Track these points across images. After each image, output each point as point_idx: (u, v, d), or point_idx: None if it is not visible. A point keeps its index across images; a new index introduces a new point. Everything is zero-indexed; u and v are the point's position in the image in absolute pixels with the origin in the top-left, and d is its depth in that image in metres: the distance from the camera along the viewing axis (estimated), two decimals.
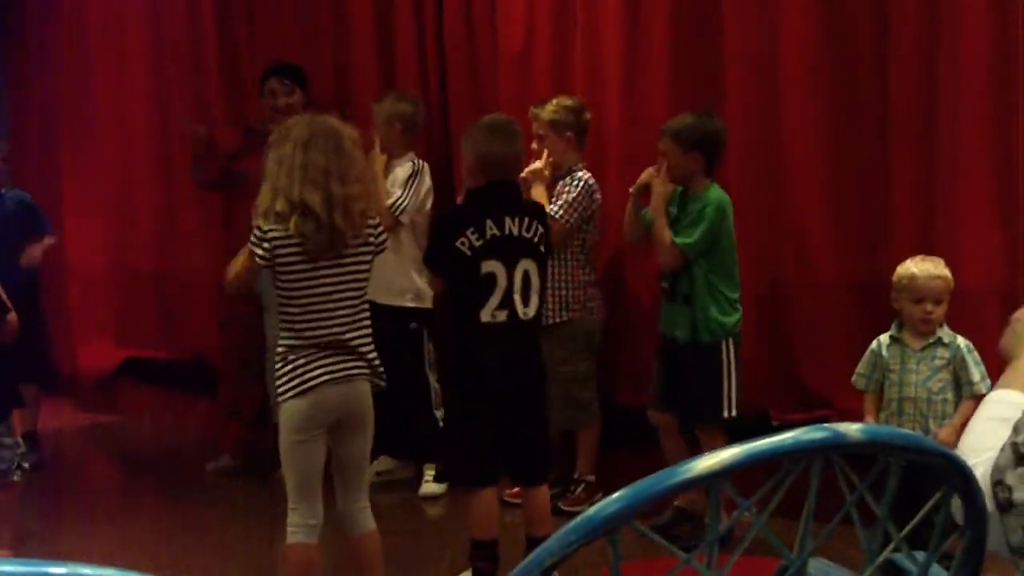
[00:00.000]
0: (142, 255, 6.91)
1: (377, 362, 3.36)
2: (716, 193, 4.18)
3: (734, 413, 4.19)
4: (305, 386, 3.24)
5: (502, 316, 3.63)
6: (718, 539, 1.26)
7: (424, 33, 5.60)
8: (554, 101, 4.71)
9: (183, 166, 6.07)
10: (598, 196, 4.72)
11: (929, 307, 3.54)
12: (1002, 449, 1.55)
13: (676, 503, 4.27)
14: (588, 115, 4.75)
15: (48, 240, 5.91)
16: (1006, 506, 1.52)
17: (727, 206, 4.17)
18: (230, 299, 5.56)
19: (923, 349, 3.57)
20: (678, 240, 4.16)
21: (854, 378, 3.71)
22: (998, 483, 1.51)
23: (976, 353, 3.55)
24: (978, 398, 3.52)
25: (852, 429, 1.26)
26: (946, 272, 3.58)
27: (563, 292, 4.68)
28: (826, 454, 1.25)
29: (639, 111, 4.92)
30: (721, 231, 4.16)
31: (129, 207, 6.95)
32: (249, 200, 5.28)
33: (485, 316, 3.62)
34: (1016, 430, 1.57)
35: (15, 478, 3.35)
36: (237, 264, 3.38)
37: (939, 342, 3.56)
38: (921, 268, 3.56)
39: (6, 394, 3.42)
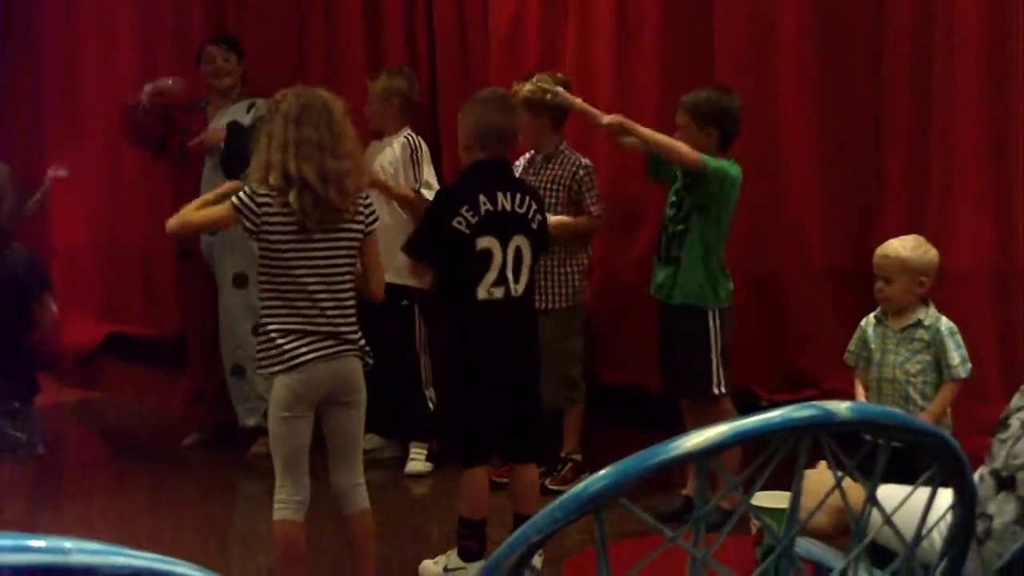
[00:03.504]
0: (126, 231, 6.87)
1: (363, 342, 3.33)
2: (727, 164, 4.12)
3: (724, 390, 4.18)
4: (293, 363, 3.22)
5: (498, 293, 3.61)
6: (707, 518, 1.25)
7: (414, 14, 5.57)
8: (534, 78, 4.62)
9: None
10: None
11: (879, 284, 3.49)
12: (980, 480, 1.54)
13: (684, 492, 4.27)
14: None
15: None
16: (984, 537, 1.51)
17: (738, 177, 4.11)
18: (189, 276, 5.56)
19: (902, 330, 3.50)
20: (703, 157, 4.01)
21: (845, 355, 3.68)
22: (979, 516, 1.50)
23: (959, 336, 3.46)
24: (957, 382, 3.47)
25: (841, 408, 1.25)
26: (901, 252, 3.44)
27: (569, 279, 4.67)
28: (815, 432, 1.24)
29: (629, 94, 4.90)
30: (727, 197, 4.09)
31: (114, 183, 6.91)
32: (193, 176, 5.30)
33: (482, 293, 3.59)
34: (991, 456, 1.56)
35: (40, 451, 3.51)
36: (203, 212, 3.33)
37: (919, 324, 3.48)
38: (881, 246, 3.52)
39: (27, 379, 3.55)
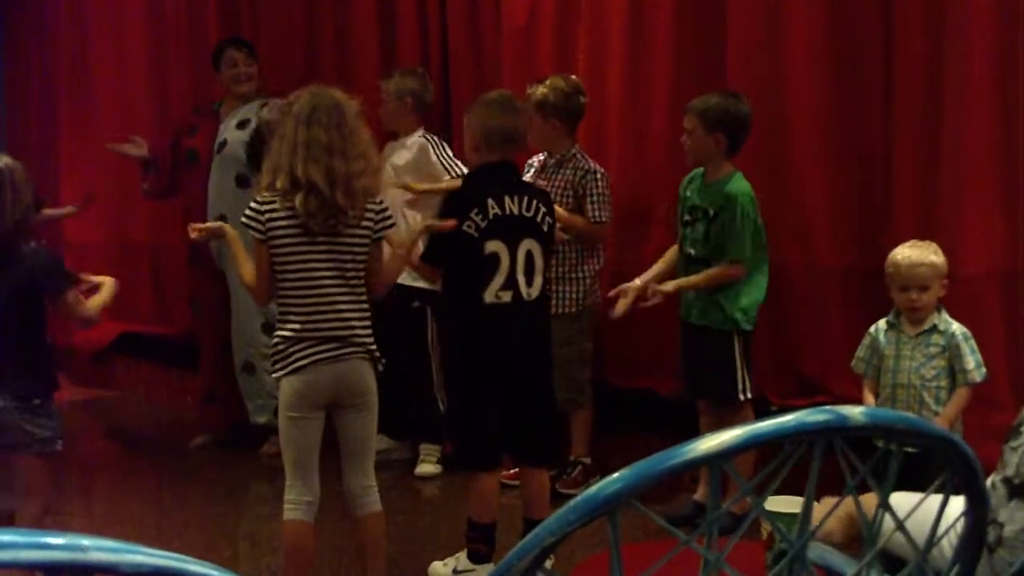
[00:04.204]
0: (138, 229, 6.89)
1: (373, 347, 3.33)
2: (740, 185, 4.09)
3: (749, 395, 4.17)
4: (296, 365, 3.23)
5: (506, 297, 3.60)
6: (719, 522, 1.25)
7: (426, 8, 5.57)
8: (547, 82, 4.59)
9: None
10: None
11: (914, 295, 3.48)
12: (992, 488, 1.53)
13: (695, 497, 4.26)
14: (584, 98, 4.64)
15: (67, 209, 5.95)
16: (995, 544, 1.51)
17: (752, 197, 4.09)
18: (198, 279, 5.57)
19: (917, 336, 3.51)
20: (732, 258, 4.05)
21: (853, 362, 3.68)
22: (990, 523, 1.49)
23: (973, 341, 3.48)
24: (972, 387, 3.48)
25: (855, 412, 1.25)
26: (932, 258, 3.48)
27: (580, 283, 4.64)
28: (828, 437, 1.25)
29: (642, 89, 4.90)
30: (757, 224, 4.08)
31: (126, 181, 6.91)
32: (202, 176, 5.33)
33: (489, 297, 3.59)
34: (1003, 464, 1.56)
35: (58, 447, 3.52)
36: (246, 266, 3.32)
37: (934, 329, 3.49)
38: (904, 256, 3.49)
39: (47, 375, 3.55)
